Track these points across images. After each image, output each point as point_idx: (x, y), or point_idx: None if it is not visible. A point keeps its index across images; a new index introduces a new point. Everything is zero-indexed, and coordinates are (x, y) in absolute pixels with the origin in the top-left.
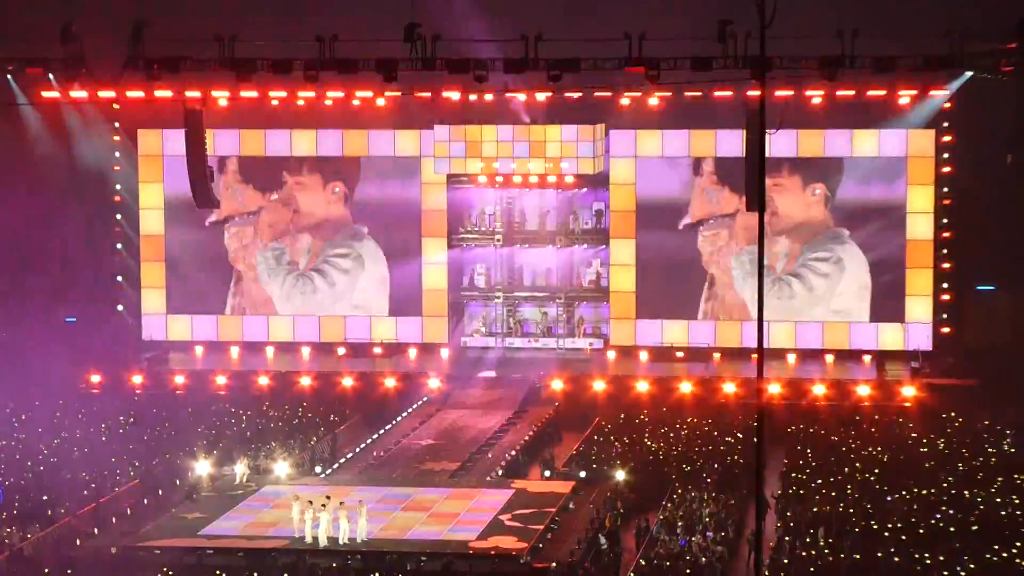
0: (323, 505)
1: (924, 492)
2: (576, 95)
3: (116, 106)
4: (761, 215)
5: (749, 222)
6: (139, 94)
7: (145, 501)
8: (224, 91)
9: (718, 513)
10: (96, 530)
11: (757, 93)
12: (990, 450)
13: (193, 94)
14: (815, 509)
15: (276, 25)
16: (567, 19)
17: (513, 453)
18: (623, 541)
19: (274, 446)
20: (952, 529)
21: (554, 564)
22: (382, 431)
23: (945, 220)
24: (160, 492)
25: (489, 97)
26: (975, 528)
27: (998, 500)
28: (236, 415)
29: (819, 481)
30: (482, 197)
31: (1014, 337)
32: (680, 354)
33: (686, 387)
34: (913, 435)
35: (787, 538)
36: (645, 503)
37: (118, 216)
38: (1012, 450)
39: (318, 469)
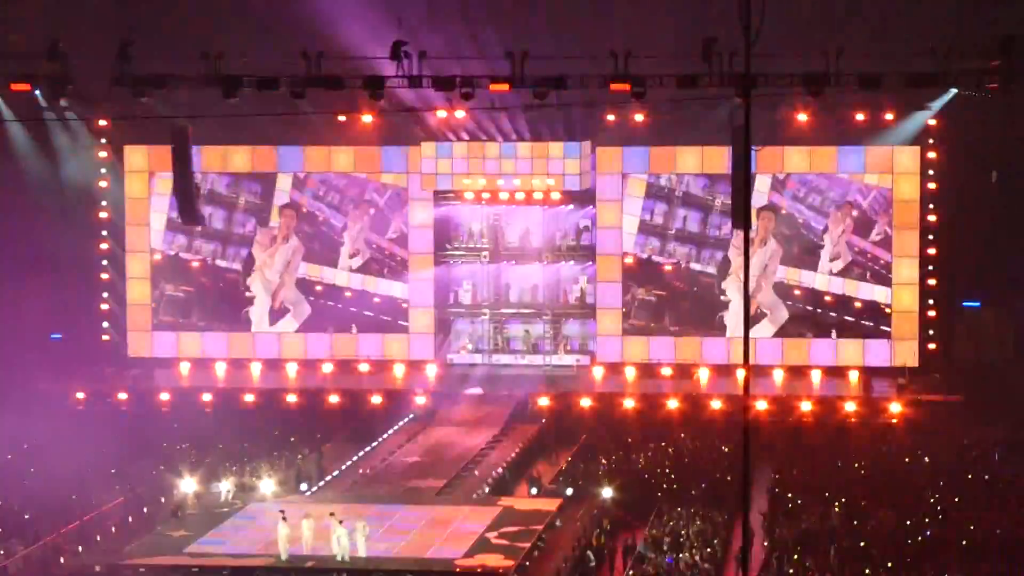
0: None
1: (911, 509)
2: (561, 112)
3: (103, 123)
4: (746, 232)
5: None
6: (126, 111)
7: (130, 519)
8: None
9: (705, 531)
10: (80, 548)
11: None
12: (976, 466)
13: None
14: (802, 526)
15: (262, 42)
16: (553, 37)
17: (500, 470)
18: (609, 559)
19: (259, 463)
20: (939, 546)
21: None
22: (368, 448)
23: (930, 237)
24: (145, 510)
25: (474, 114)
26: (962, 544)
27: (984, 516)
28: (221, 432)
29: (806, 498)
30: (468, 214)
31: (999, 353)
32: (667, 371)
33: (673, 404)
34: (899, 451)
35: (774, 555)
36: (632, 520)
37: (104, 233)
38: (998, 466)
39: (304, 486)
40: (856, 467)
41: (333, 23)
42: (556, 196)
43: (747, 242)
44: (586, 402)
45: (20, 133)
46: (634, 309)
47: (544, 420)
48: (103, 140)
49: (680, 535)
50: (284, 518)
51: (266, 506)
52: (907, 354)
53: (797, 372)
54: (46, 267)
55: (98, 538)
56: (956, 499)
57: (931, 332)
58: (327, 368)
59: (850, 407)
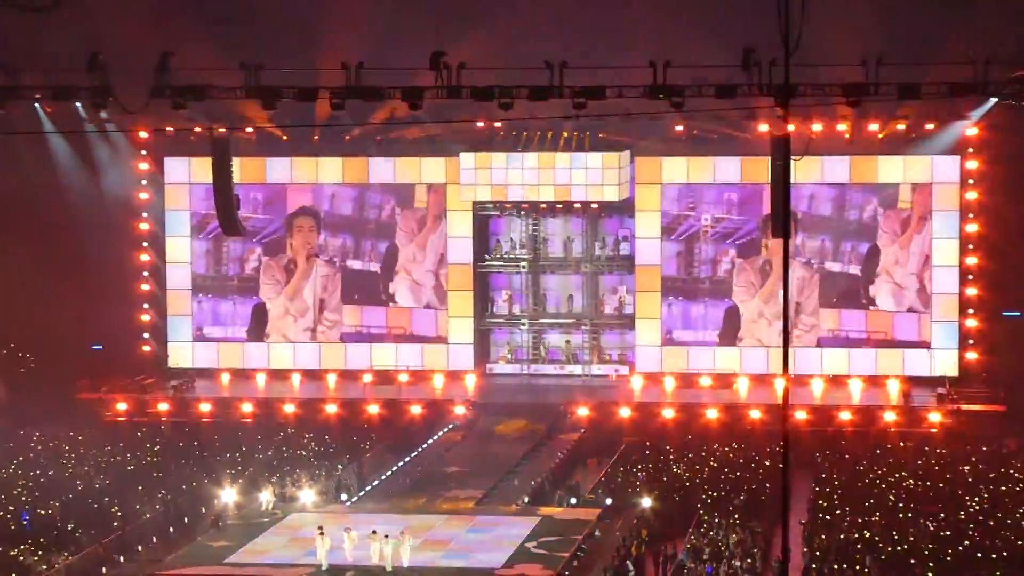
0: (373, 534)
1: (951, 518)
2: (601, 122)
3: (143, 134)
4: (786, 242)
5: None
6: (166, 123)
7: (171, 529)
8: (251, 119)
9: (745, 540)
10: (121, 558)
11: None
12: (1016, 476)
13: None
14: (842, 536)
15: (301, 53)
16: (591, 47)
17: (539, 480)
18: (649, 569)
19: (300, 473)
20: (979, 555)
21: None
22: (408, 458)
23: (970, 246)
24: (186, 520)
25: (514, 124)
26: (1003, 554)
27: None
28: (262, 442)
29: (846, 508)
30: (507, 224)
31: None
32: (707, 381)
33: (712, 413)
34: (940, 461)
35: (814, 566)
36: (671, 530)
37: (145, 244)
38: None
39: (344, 496)
40: (896, 477)
41: (372, 34)
42: (595, 207)
43: (787, 251)
44: (625, 412)
45: (62, 145)
46: None
47: (583, 430)
48: (143, 152)
49: (719, 544)
50: (322, 533)
51: (307, 516)
52: (947, 364)
53: (837, 382)
54: (87, 278)
55: (139, 548)
56: (996, 509)
57: (971, 342)
58: (367, 379)
59: (890, 416)
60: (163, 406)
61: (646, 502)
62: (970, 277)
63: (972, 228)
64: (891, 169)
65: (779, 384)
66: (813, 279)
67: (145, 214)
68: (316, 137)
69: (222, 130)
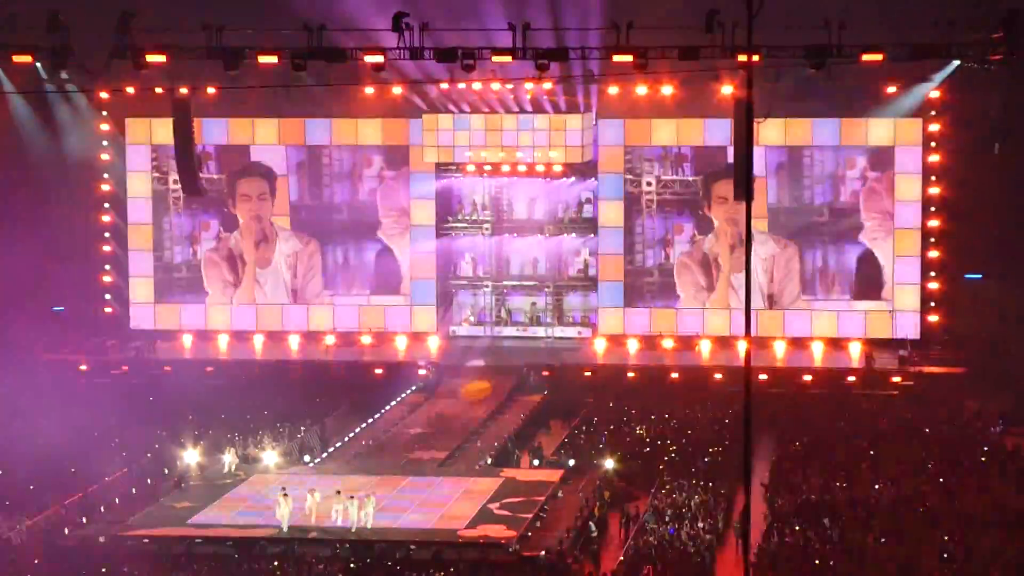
0: (337, 493)
1: (911, 480)
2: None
3: (104, 95)
4: (748, 205)
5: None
6: (126, 84)
7: (133, 490)
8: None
9: (707, 501)
10: (84, 519)
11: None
12: (976, 437)
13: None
14: (803, 497)
15: (263, 14)
16: (555, 8)
17: (502, 441)
18: (611, 530)
19: (262, 435)
20: (939, 517)
21: (543, 552)
22: (371, 420)
23: (932, 209)
24: (148, 481)
25: (477, 86)
26: (963, 515)
27: (985, 486)
28: (224, 404)
29: (808, 469)
30: (471, 186)
31: (1001, 325)
32: (669, 343)
33: (675, 375)
34: (901, 423)
35: (775, 526)
36: (634, 491)
37: (106, 205)
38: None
39: (307, 458)
40: (857, 438)
41: None
42: (558, 168)
43: (749, 212)
44: (588, 374)
45: (21, 105)
46: None
47: (546, 392)
48: (104, 113)
49: (682, 506)
50: (285, 494)
51: (269, 477)
52: (909, 326)
53: (799, 344)
54: (48, 239)
55: (102, 509)
56: (956, 471)
57: (933, 304)
58: (329, 340)
59: (851, 379)
60: (125, 367)
61: (609, 463)
62: (932, 240)
63: (934, 191)
64: (854, 132)
65: (741, 346)
66: (788, 260)
67: (106, 175)
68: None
69: (183, 91)
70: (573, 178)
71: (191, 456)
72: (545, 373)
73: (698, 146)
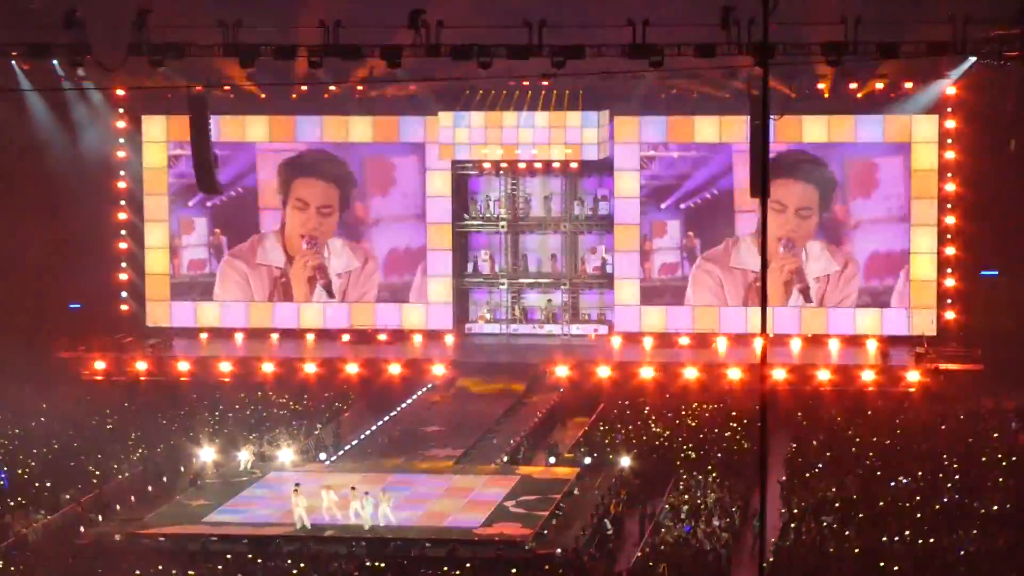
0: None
1: (928, 477)
2: (580, 81)
3: (121, 92)
4: (764, 202)
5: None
6: (143, 80)
7: (149, 488)
8: (228, 77)
9: (723, 499)
10: (100, 517)
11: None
12: (994, 435)
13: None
14: (820, 495)
15: (279, 11)
16: (571, 6)
17: (518, 440)
18: (627, 528)
19: (278, 433)
20: (955, 514)
21: (559, 550)
22: (386, 418)
23: (948, 206)
24: (164, 479)
25: (493, 83)
26: (979, 512)
27: (1002, 484)
28: (240, 401)
29: (824, 466)
30: (486, 183)
31: (1018, 322)
32: (685, 340)
33: (691, 373)
34: (917, 420)
35: (792, 524)
36: (650, 489)
37: (122, 202)
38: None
39: (322, 456)
40: (873, 436)
41: None
42: (574, 166)
43: (764, 210)
44: (604, 371)
45: (39, 103)
46: None
47: (562, 389)
48: (121, 110)
49: (698, 503)
50: (297, 491)
51: (285, 475)
52: (925, 323)
53: (815, 341)
54: (66, 237)
55: (117, 507)
56: (973, 468)
57: (949, 301)
58: (345, 338)
59: (868, 376)
60: (141, 364)
61: (625, 461)
62: (948, 237)
63: (950, 188)
64: (870, 128)
65: (758, 343)
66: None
67: (123, 172)
68: (294, 96)
69: (199, 88)
70: (589, 175)
71: (207, 454)
72: (561, 370)
73: (714, 143)
